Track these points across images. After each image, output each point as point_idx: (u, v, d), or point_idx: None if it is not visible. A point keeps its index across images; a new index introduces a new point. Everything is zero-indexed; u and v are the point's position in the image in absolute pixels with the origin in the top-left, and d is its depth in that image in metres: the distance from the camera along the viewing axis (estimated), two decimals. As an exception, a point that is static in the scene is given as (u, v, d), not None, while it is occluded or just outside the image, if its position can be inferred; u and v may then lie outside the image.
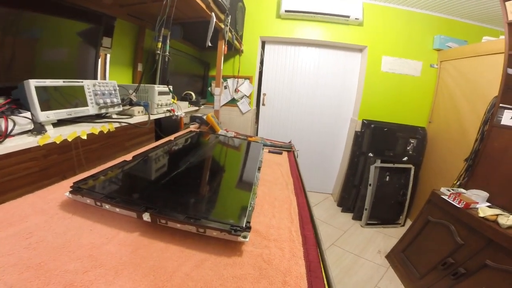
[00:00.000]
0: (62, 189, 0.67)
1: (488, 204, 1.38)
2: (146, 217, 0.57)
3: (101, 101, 1.08)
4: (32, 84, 0.79)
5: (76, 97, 0.97)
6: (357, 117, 2.69)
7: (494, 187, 1.43)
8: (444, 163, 2.23)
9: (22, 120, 0.78)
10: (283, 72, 2.94)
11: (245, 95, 2.84)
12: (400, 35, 2.53)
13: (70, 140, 0.92)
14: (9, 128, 0.74)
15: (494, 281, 1.15)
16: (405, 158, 2.49)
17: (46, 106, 0.84)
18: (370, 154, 2.48)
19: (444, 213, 1.48)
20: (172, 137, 1.35)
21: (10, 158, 0.99)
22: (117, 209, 0.59)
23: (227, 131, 1.67)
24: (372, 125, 2.50)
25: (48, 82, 0.85)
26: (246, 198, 0.73)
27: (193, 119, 1.90)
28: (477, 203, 1.35)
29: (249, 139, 1.56)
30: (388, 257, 1.98)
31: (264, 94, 3.00)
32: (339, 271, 1.82)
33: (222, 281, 0.46)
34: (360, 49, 2.75)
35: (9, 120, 0.74)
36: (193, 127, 1.76)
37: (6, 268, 0.41)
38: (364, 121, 2.58)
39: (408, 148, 2.50)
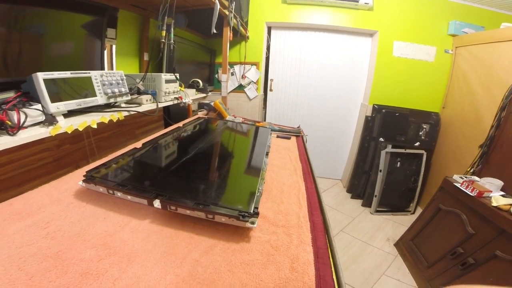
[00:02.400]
0: (75, 179, 0.70)
1: (502, 193, 1.33)
2: (157, 204, 0.58)
3: (109, 91, 1.10)
4: (40, 76, 0.81)
5: (85, 88, 1.00)
6: (367, 102, 2.63)
7: (509, 176, 1.38)
8: (458, 149, 2.17)
9: (33, 112, 0.81)
10: (291, 57, 2.88)
11: (252, 81, 2.82)
12: (413, 20, 2.41)
13: (81, 129, 0.94)
14: (22, 120, 0.76)
15: (502, 272, 1.13)
16: (417, 144, 2.42)
17: (56, 97, 0.87)
18: (381, 139, 2.43)
19: (456, 201, 1.44)
20: (180, 124, 1.36)
21: (25, 150, 1.04)
22: (129, 197, 0.60)
23: (234, 117, 1.67)
24: (383, 110, 2.43)
25: (56, 75, 0.87)
26: (254, 184, 0.73)
27: (201, 106, 1.92)
28: (491, 191, 1.30)
29: (257, 124, 1.56)
30: (396, 245, 1.98)
31: (272, 80, 2.96)
32: (347, 258, 1.84)
33: (230, 267, 0.48)
34: (370, 34, 2.64)
35: (21, 112, 0.76)
36: (201, 114, 1.77)
37: (26, 258, 0.43)
38: (375, 106, 2.52)
39: (420, 133, 2.43)
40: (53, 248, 0.46)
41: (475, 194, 1.31)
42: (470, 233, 1.31)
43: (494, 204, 1.21)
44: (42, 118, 0.83)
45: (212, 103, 1.74)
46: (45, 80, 0.82)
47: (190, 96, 1.77)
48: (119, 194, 0.60)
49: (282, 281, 0.46)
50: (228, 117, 1.66)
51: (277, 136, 1.45)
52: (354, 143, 2.83)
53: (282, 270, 0.48)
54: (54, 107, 0.86)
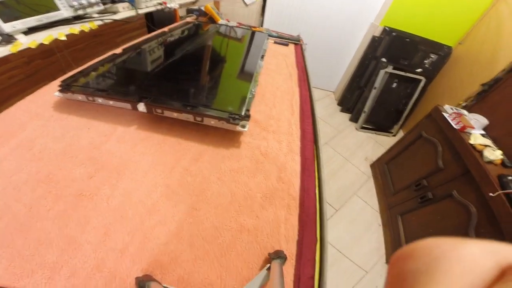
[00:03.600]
0: (52, 90, 0.64)
1: (483, 132, 1.35)
2: (141, 107, 0.54)
3: (75, 3, 1.02)
4: None
5: (44, 5, 0.93)
6: (378, 23, 2.41)
7: (496, 118, 1.37)
8: (459, 83, 2.15)
9: None
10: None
11: None
12: None
13: (47, 43, 0.91)
14: None
15: (449, 213, 1.19)
16: (419, 70, 2.37)
17: (10, 17, 0.82)
18: (383, 59, 2.35)
19: (438, 131, 1.47)
20: (166, 29, 1.23)
21: None
22: (111, 102, 0.56)
23: (228, 21, 1.51)
24: (394, 33, 2.27)
25: None
26: (246, 87, 0.69)
27: (189, 11, 1.72)
28: (473, 128, 1.31)
29: (253, 29, 1.43)
30: (372, 166, 2.08)
31: None
32: (327, 172, 1.95)
33: (220, 175, 0.49)
34: None
35: None
36: (190, 19, 1.59)
37: (20, 187, 0.42)
38: (386, 28, 2.34)
39: (425, 61, 2.35)
40: (42, 171, 0.45)
41: (459, 128, 1.33)
42: (439, 167, 1.35)
43: (472, 141, 1.22)
44: None
45: (202, 8, 1.56)
46: None
47: (176, 1, 1.59)
48: (100, 100, 0.56)
49: (269, 190, 0.48)
50: (221, 21, 1.50)
51: (275, 42, 1.36)
52: (354, 59, 2.72)
53: (270, 179, 0.50)
54: (10, 26, 0.82)
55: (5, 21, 0.80)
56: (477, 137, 1.25)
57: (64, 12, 0.99)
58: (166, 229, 0.40)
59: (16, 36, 0.85)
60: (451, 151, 1.33)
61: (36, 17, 0.89)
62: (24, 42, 0.85)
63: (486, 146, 1.19)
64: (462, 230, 1.10)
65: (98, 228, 0.39)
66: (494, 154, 1.13)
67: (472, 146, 1.20)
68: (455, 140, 1.31)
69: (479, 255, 0.12)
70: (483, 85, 1.62)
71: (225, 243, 0.39)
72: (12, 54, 0.81)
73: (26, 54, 1.10)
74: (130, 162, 0.49)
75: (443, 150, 1.39)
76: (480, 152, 1.16)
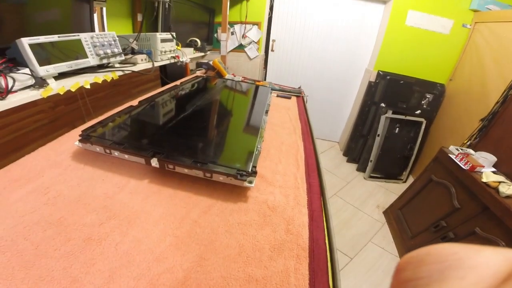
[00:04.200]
0: (72, 139, 0.69)
1: (494, 169, 1.34)
2: (154, 162, 0.57)
3: (101, 52, 1.09)
4: (25, 41, 0.81)
5: (75, 51, 1.00)
6: (372, 68, 2.55)
7: (503, 153, 1.38)
8: (458, 121, 2.18)
9: (22, 77, 0.81)
10: (295, 18, 2.70)
11: (253, 41, 2.71)
12: (434, -9, 2.23)
13: (73, 90, 0.95)
14: (10, 85, 0.76)
15: None
16: (418, 112, 2.42)
17: (45, 61, 0.87)
18: (382, 105, 2.41)
19: (448, 173, 1.46)
20: (178, 82, 1.33)
21: (18, 113, 1.04)
22: (126, 156, 0.59)
23: (234, 76, 1.63)
24: (388, 77, 2.38)
25: (42, 39, 0.86)
26: (252, 142, 0.72)
27: (199, 65, 1.88)
28: (483, 166, 1.31)
29: (257, 83, 1.52)
30: (385, 213, 2.05)
31: (274, 40, 2.82)
32: (338, 222, 1.92)
33: (228, 227, 0.49)
34: (384, 1, 2.45)
35: (8, 77, 0.76)
36: (199, 73, 1.73)
37: (31, 226, 0.44)
38: (380, 72, 2.46)
39: (423, 102, 2.41)
40: (55, 214, 0.47)
41: (468, 168, 1.32)
42: (455, 207, 1.33)
43: (484, 180, 1.21)
44: (31, 81, 0.84)
45: (211, 62, 1.70)
46: (30, 45, 0.82)
47: (187, 55, 1.74)
48: (116, 153, 0.60)
49: (278, 242, 0.48)
50: (227, 76, 1.62)
51: (277, 96, 1.43)
52: (355, 107, 2.81)
53: (278, 231, 0.50)
54: (43, 70, 0.86)
55: (40, 64, 0.84)
56: (489, 175, 1.24)
57: (91, 60, 1.06)
58: (173, 277, 0.39)
59: (48, 81, 0.89)
60: (465, 190, 1.32)
61: (67, 63, 0.95)
62: (54, 87, 0.89)
63: (500, 182, 1.18)
64: None
65: (104, 271, 0.38)
66: (510, 188, 1.12)
67: (486, 184, 1.20)
68: (467, 180, 1.31)
69: (494, 263, 0.12)
70: (481, 120, 1.64)
71: None
72: (40, 98, 0.84)
73: (52, 99, 1.15)
74: (142, 212, 0.50)
75: (456, 190, 1.37)
76: (496, 189, 1.16)
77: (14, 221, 0.44)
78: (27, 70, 0.82)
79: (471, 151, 1.50)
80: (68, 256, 0.40)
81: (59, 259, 0.39)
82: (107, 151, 0.60)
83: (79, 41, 1.00)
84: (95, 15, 1.35)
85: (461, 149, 1.51)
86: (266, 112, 1.03)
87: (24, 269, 0.37)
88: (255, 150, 0.67)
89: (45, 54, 0.87)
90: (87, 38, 1.03)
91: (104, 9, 1.46)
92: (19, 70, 0.81)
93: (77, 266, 0.38)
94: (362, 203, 2.17)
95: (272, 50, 2.87)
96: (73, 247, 0.41)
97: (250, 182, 0.55)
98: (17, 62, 0.84)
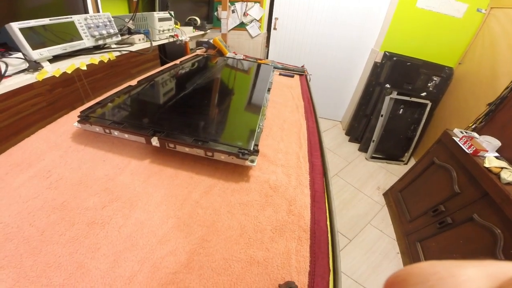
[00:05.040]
0: (71, 120, 0.68)
1: (497, 154, 1.31)
2: (155, 141, 0.57)
3: (96, 33, 1.08)
4: (15, 26, 0.79)
5: (70, 34, 0.99)
6: (379, 48, 2.47)
7: (508, 138, 1.34)
8: (464, 104, 2.14)
9: (15, 61, 0.80)
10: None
11: (255, 18, 2.63)
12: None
13: (69, 72, 0.94)
14: (3, 70, 0.75)
15: (472, 236, 1.16)
16: (424, 94, 2.37)
17: (38, 44, 0.86)
18: (387, 85, 2.36)
19: (450, 156, 1.45)
20: (177, 61, 1.30)
21: (16, 97, 1.04)
22: (126, 135, 0.59)
23: (235, 54, 1.59)
24: (395, 58, 2.31)
25: (33, 22, 0.84)
26: (254, 120, 0.71)
27: (199, 44, 1.83)
28: (487, 151, 1.28)
29: (259, 61, 1.49)
30: (385, 194, 2.05)
31: (276, 18, 2.72)
32: (339, 203, 1.94)
33: (230, 208, 0.49)
34: None
35: (0, 62, 0.75)
36: (199, 52, 1.68)
37: (35, 212, 0.44)
38: (386, 53, 2.39)
39: (429, 84, 2.36)
40: (58, 198, 0.47)
41: (471, 152, 1.30)
42: (455, 192, 1.32)
43: (487, 164, 1.19)
44: (25, 65, 0.83)
45: (211, 41, 1.65)
46: (21, 29, 0.80)
47: (186, 34, 1.70)
48: (116, 133, 0.59)
49: (279, 223, 0.48)
50: (229, 54, 1.58)
51: (280, 74, 1.40)
52: (359, 86, 2.75)
53: (280, 212, 0.50)
54: (37, 54, 0.85)
55: (33, 48, 0.84)
56: (491, 160, 1.22)
57: (86, 42, 1.04)
58: (176, 259, 0.40)
59: (42, 64, 0.89)
60: (466, 175, 1.31)
61: (61, 46, 0.94)
62: (49, 70, 0.88)
63: (502, 168, 1.16)
64: (488, 252, 1.06)
65: (108, 255, 0.39)
66: None
67: (488, 169, 1.18)
68: (469, 164, 1.29)
69: (477, 282, 0.12)
70: (489, 104, 1.61)
71: (234, 274, 0.39)
72: (36, 81, 0.84)
73: (49, 82, 1.15)
74: (143, 194, 0.50)
75: (458, 174, 1.36)
76: (497, 175, 1.14)
77: (18, 207, 0.44)
78: (19, 55, 0.81)
79: (475, 134, 1.48)
80: (73, 241, 0.40)
81: (64, 245, 0.39)
82: (107, 131, 0.59)
83: (72, 23, 0.98)
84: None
85: (466, 132, 1.49)
86: (268, 90, 1.00)
87: (32, 256, 0.37)
88: (257, 128, 0.66)
89: (38, 38, 0.86)
90: (80, 20, 1.01)
91: (98, -11, 1.39)
92: (11, 54, 0.80)
93: (82, 251, 0.39)
94: (362, 184, 2.17)
95: (275, 29, 2.77)
96: (77, 231, 0.41)
97: (252, 161, 0.54)
98: (8, 47, 0.82)
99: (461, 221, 1.23)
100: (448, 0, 2.20)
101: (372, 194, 2.09)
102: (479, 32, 2.21)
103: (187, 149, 0.56)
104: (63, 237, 0.40)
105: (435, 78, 2.33)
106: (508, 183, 1.09)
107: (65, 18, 0.95)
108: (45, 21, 0.87)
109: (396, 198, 1.88)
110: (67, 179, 0.51)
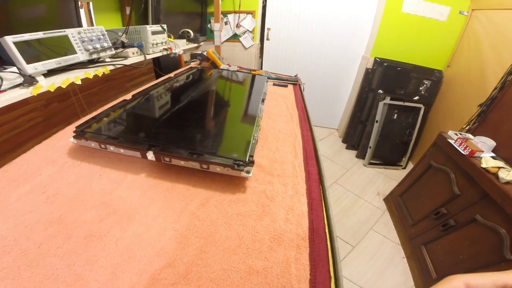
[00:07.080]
0: (67, 136, 0.68)
1: (493, 154, 1.32)
2: (150, 155, 0.57)
3: (90, 47, 1.08)
4: (9, 40, 0.79)
5: (64, 47, 0.98)
6: (369, 55, 2.53)
7: (502, 138, 1.35)
8: (456, 106, 2.18)
9: (9, 75, 0.79)
10: (290, 5, 2.64)
11: (248, 30, 2.68)
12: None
13: (64, 87, 0.93)
14: None
15: (477, 237, 1.15)
16: (416, 98, 2.42)
17: (32, 58, 0.85)
18: (380, 91, 2.40)
19: (447, 158, 1.45)
20: (172, 74, 1.31)
21: (11, 112, 1.03)
22: (122, 150, 0.59)
23: (229, 66, 1.61)
24: (385, 64, 2.36)
25: (27, 36, 0.84)
26: (249, 131, 0.71)
27: (193, 56, 1.85)
28: (482, 151, 1.29)
29: (253, 72, 1.50)
30: (386, 200, 2.04)
31: (269, 29, 2.78)
32: (339, 211, 1.93)
33: (227, 219, 0.49)
34: None
35: None
36: (193, 64, 1.70)
37: (32, 225, 0.44)
38: (377, 59, 2.44)
39: (420, 88, 2.41)
40: (55, 212, 0.47)
41: (467, 153, 1.31)
42: (455, 194, 1.31)
43: (484, 165, 1.20)
44: (20, 80, 0.82)
45: (205, 53, 1.68)
46: (15, 43, 0.80)
47: (180, 47, 1.74)
48: (111, 148, 0.59)
49: (277, 232, 0.48)
50: (223, 66, 1.60)
51: (274, 84, 1.42)
52: (352, 93, 2.80)
53: (277, 221, 0.50)
54: (31, 68, 0.85)
55: (28, 62, 0.83)
56: (488, 160, 1.22)
57: (80, 56, 1.05)
58: (174, 270, 0.39)
59: (37, 78, 0.88)
60: (464, 176, 1.31)
61: (55, 60, 0.93)
62: (44, 85, 0.88)
63: (499, 167, 1.16)
64: (496, 252, 1.04)
65: (106, 267, 0.38)
66: (510, 174, 1.11)
67: (485, 169, 1.18)
68: (466, 166, 1.30)
69: None
70: (480, 105, 1.63)
71: (234, 284, 0.38)
72: (31, 96, 0.83)
73: (44, 96, 1.15)
74: (140, 207, 0.50)
75: (456, 176, 1.37)
76: (495, 175, 1.14)
77: (15, 220, 0.44)
78: (14, 69, 0.80)
79: (470, 135, 1.50)
80: (71, 254, 0.40)
81: (62, 257, 0.39)
82: (102, 146, 0.59)
83: (66, 37, 0.99)
84: (82, 11, 1.33)
85: (460, 134, 1.51)
86: (263, 100, 1.01)
87: (29, 268, 0.37)
88: (252, 139, 0.66)
89: (33, 52, 0.85)
90: (74, 34, 1.02)
91: (91, 4, 1.43)
92: (6, 68, 0.79)
93: (80, 263, 0.39)
94: (362, 191, 2.17)
95: (268, 39, 2.83)
96: (75, 244, 0.41)
97: (248, 172, 0.54)
98: (2, 60, 0.82)
99: (464, 223, 1.23)
100: (431, 3, 2.27)
101: (372, 200, 2.08)
102: (463, 34, 2.27)
103: (182, 162, 0.56)
104: (61, 250, 0.40)
105: (426, 82, 2.38)
106: (507, 182, 1.09)
107: (59, 32, 0.95)
108: (39, 34, 0.88)
109: (396, 202, 1.88)
110: (63, 194, 0.51)
